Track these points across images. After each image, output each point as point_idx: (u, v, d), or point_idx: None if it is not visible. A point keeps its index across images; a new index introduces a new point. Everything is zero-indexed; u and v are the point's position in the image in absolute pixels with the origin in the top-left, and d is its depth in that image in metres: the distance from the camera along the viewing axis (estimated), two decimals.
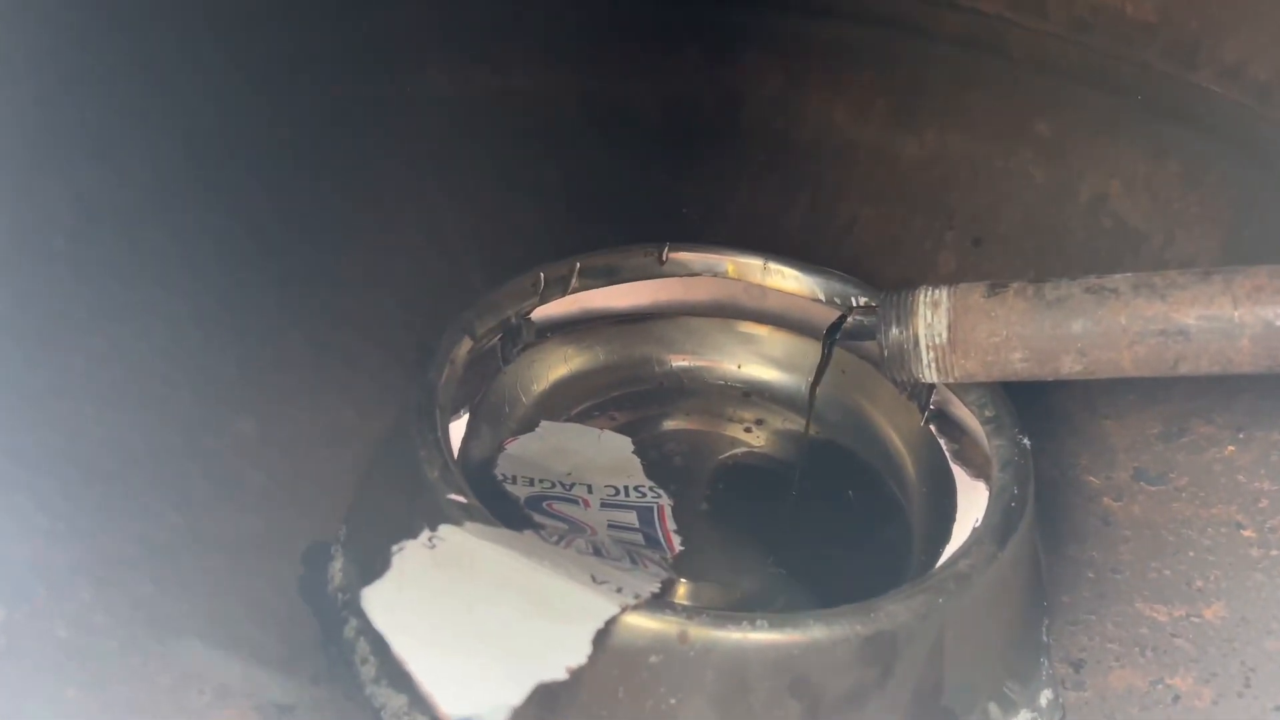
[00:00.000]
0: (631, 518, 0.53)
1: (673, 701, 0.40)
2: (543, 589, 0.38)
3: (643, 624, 0.39)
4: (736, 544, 0.54)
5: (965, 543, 0.45)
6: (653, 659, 0.39)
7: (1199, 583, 0.52)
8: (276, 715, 0.42)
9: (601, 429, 0.60)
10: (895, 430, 0.59)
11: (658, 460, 0.59)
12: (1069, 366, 0.46)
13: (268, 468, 0.52)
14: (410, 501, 0.45)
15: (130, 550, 0.46)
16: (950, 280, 0.50)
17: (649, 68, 0.75)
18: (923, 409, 0.57)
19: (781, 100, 0.75)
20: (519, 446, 0.57)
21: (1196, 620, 0.50)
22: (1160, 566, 0.54)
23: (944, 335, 0.47)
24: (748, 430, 0.62)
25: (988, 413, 0.52)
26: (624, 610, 0.39)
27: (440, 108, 0.67)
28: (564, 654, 0.36)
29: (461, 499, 0.44)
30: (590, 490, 0.54)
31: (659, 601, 0.40)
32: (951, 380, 0.49)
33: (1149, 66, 0.63)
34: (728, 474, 0.59)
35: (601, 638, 0.38)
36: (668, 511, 0.54)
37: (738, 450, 0.60)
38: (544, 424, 0.59)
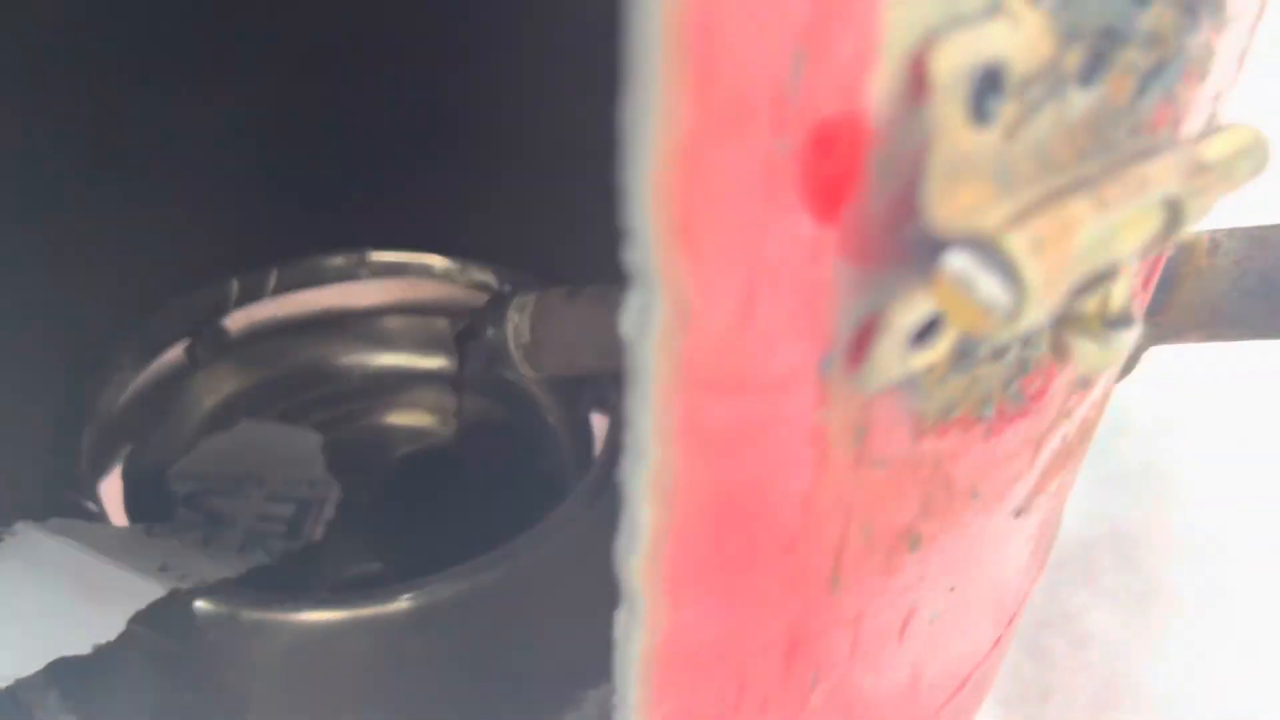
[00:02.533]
0: (289, 510, 0.58)
1: (230, 674, 0.45)
2: (95, 576, 0.43)
3: (203, 607, 0.44)
4: (396, 527, 0.59)
5: (541, 524, 0.50)
6: (211, 635, 0.44)
7: None
8: None
9: (295, 426, 0.64)
10: (555, 414, 0.63)
11: (344, 455, 0.63)
12: None
13: None
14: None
15: None
16: None
17: (367, 79, 0.78)
18: (578, 396, 0.61)
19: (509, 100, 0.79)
20: (210, 443, 0.62)
21: None
22: None
23: (528, 336, 0.51)
24: (444, 422, 0.66)
25: (613, 399, 0.56)
26: (172, 593, 0.43)
27: (152, 131, 0.70)
28: (95, 632, 0.41)
29: (81, 500, 0.49)
30: (261, 485, 0.59)
31: (218, 586, 0.45)
32: (542, 375, 0.53)
33: None
34: (409, 462, 0.63)
35: (141, 617, 0.42)
36: (331, 503, 0.59)
37: (425, 441, 0.65)
38: (244, 423, 0.64)
